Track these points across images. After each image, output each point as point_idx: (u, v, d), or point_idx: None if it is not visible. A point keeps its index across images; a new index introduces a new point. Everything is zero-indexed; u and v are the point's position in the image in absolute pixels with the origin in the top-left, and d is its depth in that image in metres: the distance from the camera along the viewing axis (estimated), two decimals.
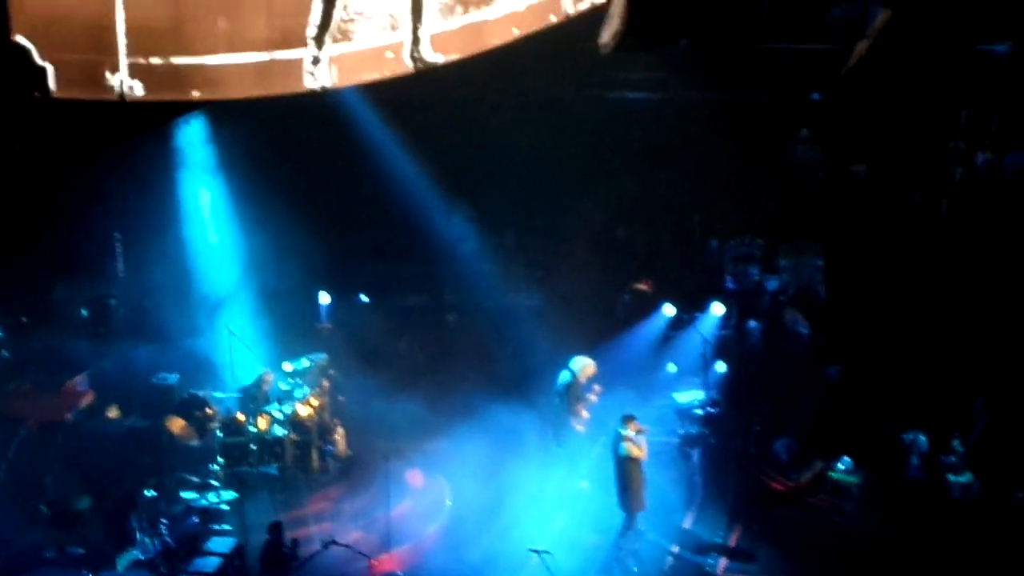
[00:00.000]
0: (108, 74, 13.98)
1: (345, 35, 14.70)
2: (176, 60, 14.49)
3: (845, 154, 23.50)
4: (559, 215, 24.25)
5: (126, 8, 13.91)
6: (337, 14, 14.68)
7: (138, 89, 14.28)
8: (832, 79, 22.00)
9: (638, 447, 17.64)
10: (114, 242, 23.54)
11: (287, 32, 14.91)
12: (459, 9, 15.85)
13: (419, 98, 21.92)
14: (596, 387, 19.64)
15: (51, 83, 14.19)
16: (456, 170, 23.81)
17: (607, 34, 18.42)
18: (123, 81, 14.01)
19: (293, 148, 24.29)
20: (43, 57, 14.18)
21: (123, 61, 14.06)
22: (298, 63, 14.89)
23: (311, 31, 14.70)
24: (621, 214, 24.33)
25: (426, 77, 16.21)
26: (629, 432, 17.71)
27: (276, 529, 17.25)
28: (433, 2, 15.68)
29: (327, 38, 14.67)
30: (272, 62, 14.88)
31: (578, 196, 23.87)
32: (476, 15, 15.93)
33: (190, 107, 21.01)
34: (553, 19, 16.84)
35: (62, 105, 15.17)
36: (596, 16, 18.23)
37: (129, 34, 14.11)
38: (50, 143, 18.23)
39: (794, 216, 23.54)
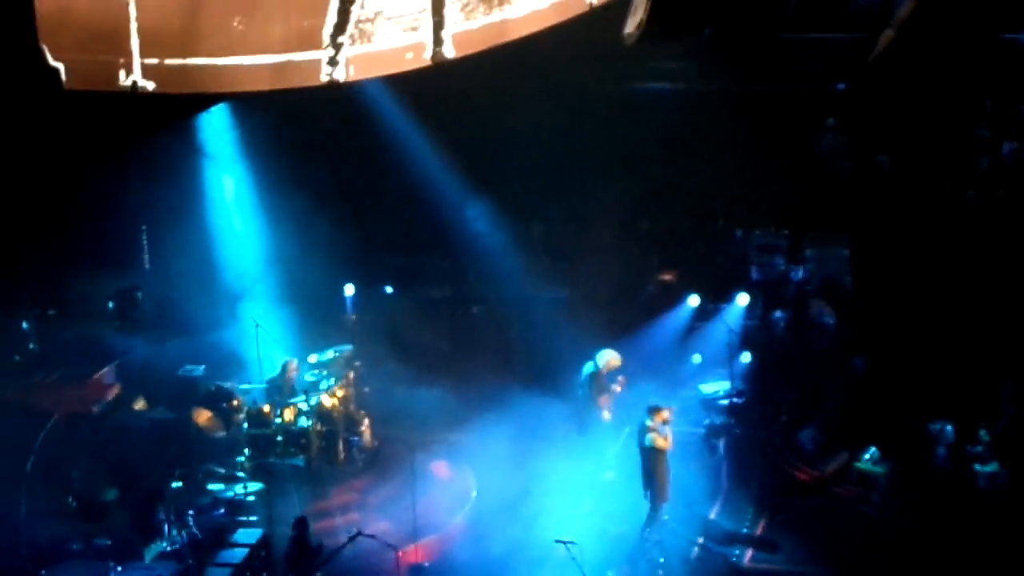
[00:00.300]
0: (122, 74, 14.04)
1: (364, 35, 14.72)
2: (190, 61, 14.53)
3: (871, 143, 23.40)
4: (583, 206, 24.23)
5: (139, 10, 13.94)
6: (355, 15, 14.66)
7: (151, 87, 14.33)
8: (857, 69, 21.92)
9: (663, 438, 17.63)
10: (140, 234, 23.59)
11: (303, 33, 14.92)
12: (482, 8, 15.82)
13: (442, 89, 21.90)
14: (620, 378, 19.64)
15: (64, 80, 14.23)
16: (480, 161, 23.79)
17: (631, 24, 18.39)
18: (136, 81, 14.05)
19: (318, 140, 24.30)
20: (56, 58, 14.21)
21: (136, 62, 14.10)
22: (315, 61, 14.92)
23: (328, 31, 14.67)
24: (645, 204, 24.28)
25: (449, 69, 16.21)
26: (655, 423, 17.70)
27: (302, 525, 17.25)
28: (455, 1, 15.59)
29: (345, 39, 14.67)
30: (288, 62, 14.92)
31: (602, 186, 23.83)
32: (499, 14, 15.91)
33: (213, 100, 21.01)
34: (576, 13, 16.79)
35: (88, 98, 15.19)
36: (620, 6, 18.21)
37: (142, 36, 14.15)
38: (76, 136, 18.28)
39: (819, 206, 23.45)
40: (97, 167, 21.12)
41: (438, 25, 15.57)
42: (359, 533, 16.89)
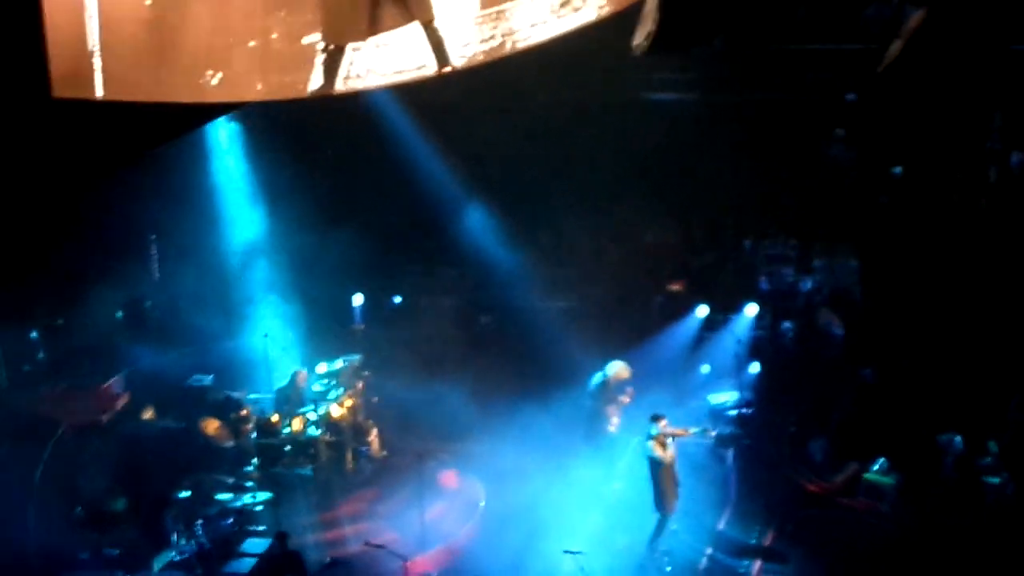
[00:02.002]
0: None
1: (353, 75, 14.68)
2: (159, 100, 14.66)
3: (880, 154, 23.38)
4: (593, 216, 24.21)
5: (104, 53, 14.02)
6: (344, 70, 14.68)
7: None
8: (866, 79, 21.89)
9: (665, 448, 17.61)
10: (149, 244, 23.63)
11: (285, 84, 14.98)
12: (487, 22, 15.81)
13: (452, 99, 21.92)
14: (629, 389, 19.64)
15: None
16: (489, 170, 23.82)
17: (640, 35, 18.33)
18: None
19: (327, 149, 24.34)
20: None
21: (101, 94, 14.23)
22: (302, 88, 14.93)
23: (314, 84, 14.64)
24: (655, 214, 24.26)
25: (456, 80, 16.19)
26: (658, 432, 17.68)
27: (282, 539, 17.26)
28: (456, 15, 15.62)
29: (335, 82, 14.62)
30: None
31: (611, 196, 23.83)
32: (504, 26, 15.90)
33: (219, 112, 20.97)
34: (583, 24, 16.77)
35: (96, 108, 15.22)
36: (629, 16, 18.18)
37: (106, 74, 14.27)
38: (83, 146, 18.28)
39: (828, 216, 23.43)
40: (105, 177, 21.12)
41: (440, 41, 15.53)
42: (367, 542, 16.94)
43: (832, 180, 23.96)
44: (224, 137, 23.67)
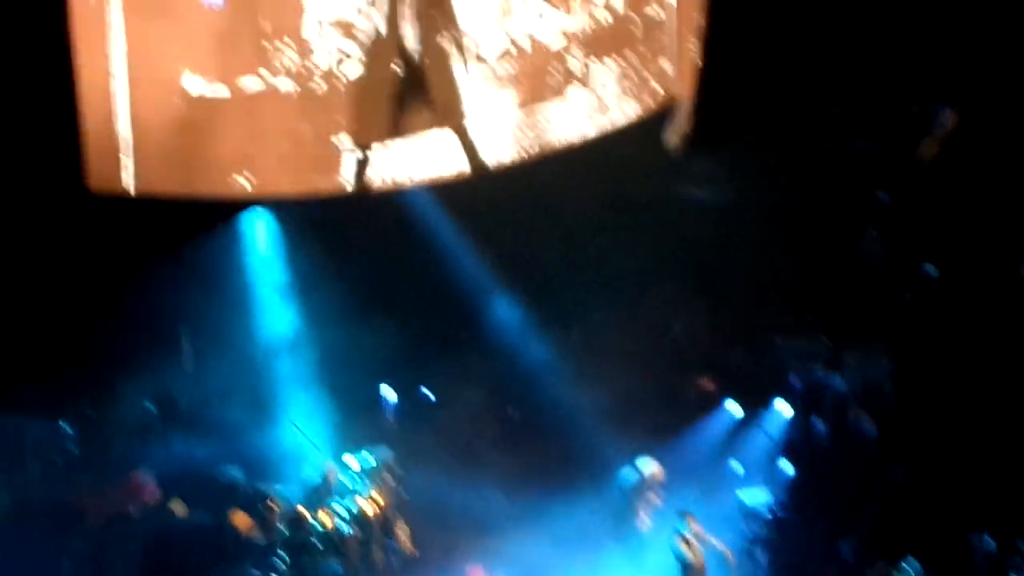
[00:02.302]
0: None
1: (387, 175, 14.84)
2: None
3: (914, 252, 23.38)
4: (624, 309, 24.20)
5: (135, 159, 14.25)
6: (374, 167, 14.87)
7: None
8: (901, 178, 21.99)
9: (693, 548, 17.53)
10: (181, 334, 23.66)
11: (315, 184, 15.20)
12: (518, 120, 15.95)
13: (484, 192, 22.04)
14: (658, 487, 19.60)
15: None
16: (520, 263, 23.86)
17: (674, 134, 18.48)
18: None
19: (360, 241, 24.39)
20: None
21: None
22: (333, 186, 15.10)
23: (343, 182, 14.76)
24: (685, 308, 24.26)
25: (490, 175, 16.30)
26: (686, 529, 17.62)
27: None
28: (488, 117, 15.77)
29: (366, 180, 14.75)
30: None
31: (641, 290, 23.85)
32: (537, 127, 16.06)
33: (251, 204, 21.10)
34: (617, 125, 16.90)
35: (126, 199, 15.32)
36: (661, 115, 18.29)
37: (138, 179, 14.50)
38: (116, 236, 18.43)
39: (860, 313, 23.40)
40: (138, 267, 21.25)
41: (472, 142, 15.75)
42: None
43: (864, 277, 23.96)
44: (257, 228, 23.76)
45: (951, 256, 23.43)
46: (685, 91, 18.07)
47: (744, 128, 20.06)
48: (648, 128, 18.09)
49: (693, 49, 17.77)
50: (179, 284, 23.99)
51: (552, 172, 21.95)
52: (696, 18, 17.60)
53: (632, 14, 17.09)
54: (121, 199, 16.46)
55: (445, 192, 22.34)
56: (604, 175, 23.86)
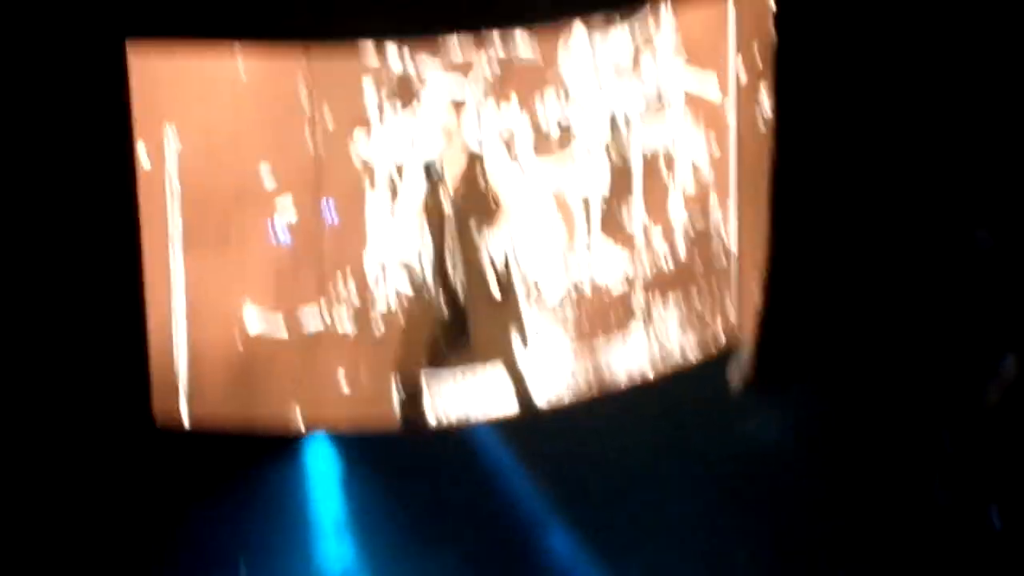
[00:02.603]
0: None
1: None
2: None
3: (982, 497, 23.10)
4: (678, 542, 23.98)
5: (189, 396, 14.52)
6: (429, 403, 15.05)
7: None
8: (964, 424, 21.87)
9: None
10: (239, 568, 23.54)
11: (371, 420, 15.44)
12: (573, 362, 16.11)
13: (544, 427, 22.06)
14: None
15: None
16: (575, 493, 23.75)
17: (736, 374, 18.60)
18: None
19: (419, 472, 24.35)
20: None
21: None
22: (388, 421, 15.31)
23: (399, 417, 15.00)
24: (744, 543, 24.00)
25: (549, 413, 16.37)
26: None
27: None
28: (543, 357, 15.94)
29: (421, 417, 14.92)
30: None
31: (700, 523, 23.64)
32: (593, 369, 16.20)
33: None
34: (674, 368, 17.05)
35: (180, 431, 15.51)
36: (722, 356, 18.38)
37: (192, 416, 14.77)
38: (172, 467, 18.49)
39: (931, 560, 23.03)
40: (194, 498, 21.27)
41: (523, 382, 15.98)
42: None
43: (933, 524, 23.62)
44: (317, 455, 23.78)
45: (1016, 498, 23.26)
46: (747, 333, 18.16)
47: (807, 372, 20.10)
48: (710, 369, 18.14)
49: (756, 292, 17.91)
50: (237, 516, 23.98)
51: (611, 410, 22.06)
52: (759, 262, 17.77)
53: (695, 259, 17.27)
54: (185, 432, 16.64)
55: (504, 428, 22.40)
56: (664, 413, 23.87)
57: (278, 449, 20.91)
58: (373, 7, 15.53)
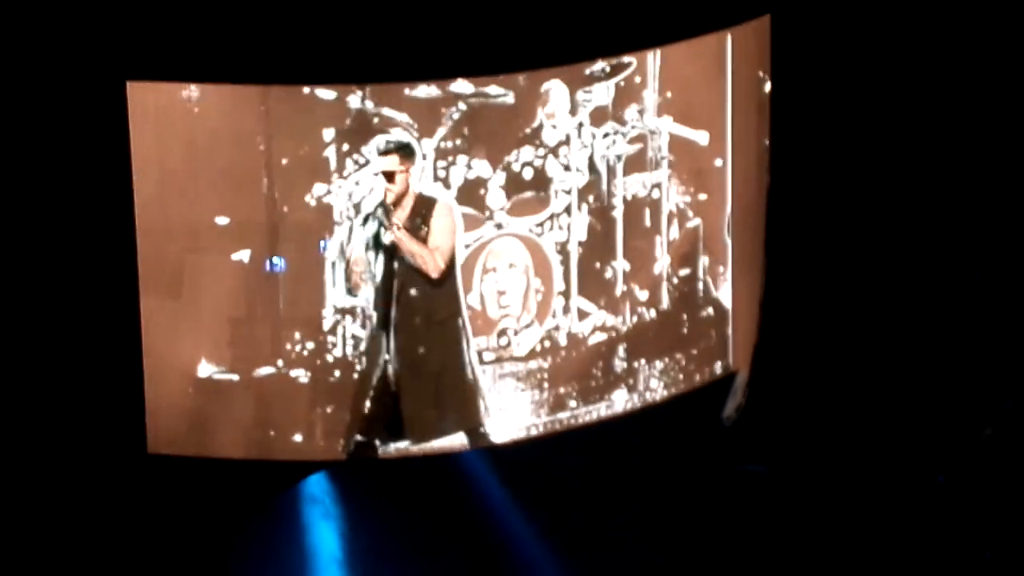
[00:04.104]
0: None
1: None
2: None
3: (973, 536, 23.04)
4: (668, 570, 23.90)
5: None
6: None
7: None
8: (958, 462, 21.87)
9: None
10: None
11: (327, 453, 15.61)
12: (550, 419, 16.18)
13: (539, 459, 22.06)
14: None
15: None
16: (575, 528, 23.69)
17: (731, 407, 18.69)
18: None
19: (420, 502, 24.28)
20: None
21: None
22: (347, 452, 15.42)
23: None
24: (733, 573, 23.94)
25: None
26: None
27: None
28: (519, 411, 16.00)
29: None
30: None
31: (699, 564, 23.58)
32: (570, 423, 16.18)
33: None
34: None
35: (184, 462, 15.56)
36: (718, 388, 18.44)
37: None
38: (175, 503, 18.53)
39: None
40: (198, 535, 21.24)
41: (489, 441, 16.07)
42: None
43: (924, 559, 23.51)
44: (320, 486, 23.72)
45: (1010, 539, 23.19)
46: (742, 368, 18.21)
47: (800, 402, 20.16)
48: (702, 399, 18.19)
49: (751, 333, 17.95)
50: (244, 542, 23.90)
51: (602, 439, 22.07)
52: (753, 301, 17.81)
53: (679, 305, 17.18)
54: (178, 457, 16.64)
55: (498, 457, 22.41)
56: (655, 446, 23.84)
57: (277, 484, 20.95)
58: (336, 52, 15.51)
